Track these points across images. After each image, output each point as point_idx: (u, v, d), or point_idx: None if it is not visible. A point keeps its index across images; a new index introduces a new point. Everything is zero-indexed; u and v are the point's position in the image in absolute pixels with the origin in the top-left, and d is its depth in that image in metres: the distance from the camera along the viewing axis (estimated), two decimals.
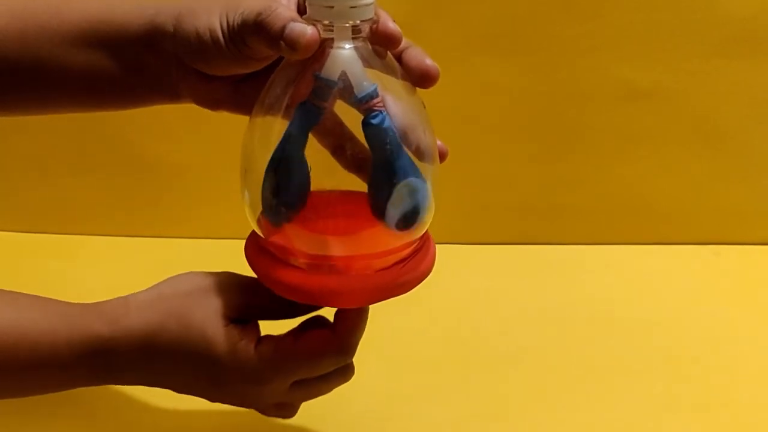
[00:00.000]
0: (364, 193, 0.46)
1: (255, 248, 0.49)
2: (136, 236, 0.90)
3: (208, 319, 0.47)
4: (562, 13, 0.79)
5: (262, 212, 0.47)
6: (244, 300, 0.48)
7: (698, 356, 0.73)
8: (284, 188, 0.45)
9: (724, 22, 0.79)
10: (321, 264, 0.46)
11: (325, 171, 0.47)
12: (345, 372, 0.51)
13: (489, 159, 0.87)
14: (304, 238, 0.46)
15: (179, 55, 0.48)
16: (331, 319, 0.49)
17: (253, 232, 0.49)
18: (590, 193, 0.87)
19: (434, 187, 0.47)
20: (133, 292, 0.80)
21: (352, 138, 0.46)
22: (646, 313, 0.79)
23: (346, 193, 0.48)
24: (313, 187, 0.46)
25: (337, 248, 0.46)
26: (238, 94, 0.50)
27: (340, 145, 0.47)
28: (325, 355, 0.48)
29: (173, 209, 0.89)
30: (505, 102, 0.84)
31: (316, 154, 0.46)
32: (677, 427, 0.66)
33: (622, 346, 0.75)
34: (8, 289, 0.80)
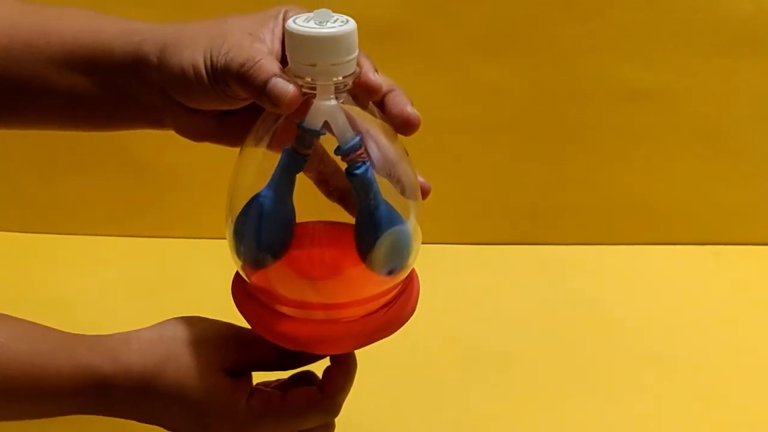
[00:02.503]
0: (348, 224, 0.46)
1: (242, 292, 0.49)
2: (136, 236, 0.90)
3: (205, 369, 0.48)
4: (562, 13, 0.79)
5: (243, 255, 0.47)
6: (241, 355, 0.50)
7: (698, 356, 0.74)
8: (267, 234, 0.46)
9: (724, 22, 0.79)
10: (306, 311, 0.47)
11: (310, 201, 0.47)
12: (327, 429, 0.52)
13: (489, 159, 0.87)
14: (287, 283, 0.47)
15: (163, 87, 0.48)
16: (320, 373, 0.50)
17: (238, 275, 0.49)
18: (590, 193, 0.87)
19: (418, 224, 0.47)
20: (132, 292, 0.81)
21: (336, 170, 0.47)
22: (646, 313, 0.79)
23: (330, 224, 0.48)
24: (297, 219, 0.46)
25: (322, 295, 0.47)
26: (223, 127, 0.50)
27: (323, 176, 0.47)
28: (311, 412, 0.49)
29: (173, 209, 0.89)
30: (504, 102, 0.84)
31: (300, 183, 0.46)
32: (678, 427, 0.66)
33: (622, 346, 0.75)
34: (8, 288, 0.80)
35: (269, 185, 0.45)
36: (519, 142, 0.86)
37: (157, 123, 0.51)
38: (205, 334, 0.49)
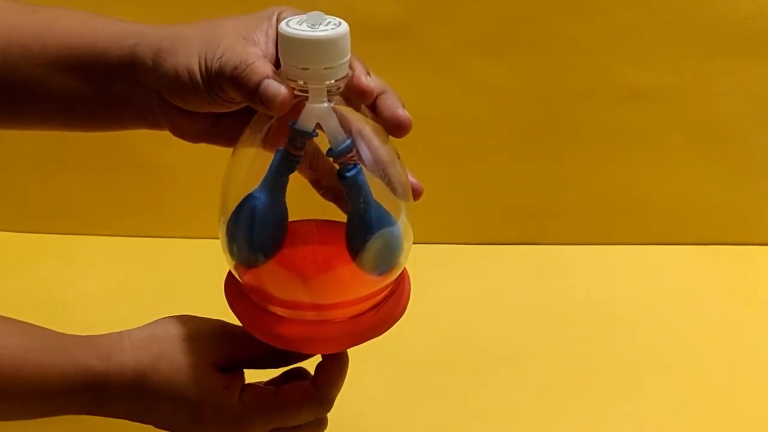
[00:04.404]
0: (341, 223, 0.47)
1: (234, 292, 0.49)
2: (136, 236, 0.90)
3: (197, 366, 0.49)
4: (561, 12, 0.79)
5: (235, 254, 0.47)
6: (232, 351, 0.50)
7: (698, 356, 0.74)
8: (259, 234, 0.46)
9: (724, 22, 0.79)
10: (297, 311, 0.47)
11: (303, 200, 0.47)
12: (320, 424, 0.53)
13: (488, 159, 0.87)
14: (279, 282, 0.47)
15: (159, 89, 0.48)
16: (313, 370, 0.51)
17: (231, 274, 0.49)
18: (590, 193, 0.87)
19: (409, 223, 0.47)
20: (131, 292, 0.81)
21: (330, 169, 0.47)
22: (645, 313, 0.79)
23: (323, 223, 0.48)
24: (290, 217, 0.47)
25: (313, 295, 0.47)
26: (218, 129, 0.50)
27: (317, 176, 0.48)
28: (303, 407, 0.50)
29: (173, 209, 0.89)
30: (504, 102, 0.84)
31: (293, 182, 0.46)
32: (677, 427, 0.66)
33: (622, 346, 0.75)
34: (8, 289, 0.81)
35: (262, 185, 0.45)
36: (518, 142, 0.86)
37: (154, 124, 0.51)
38: (197, 332, 0.50)
